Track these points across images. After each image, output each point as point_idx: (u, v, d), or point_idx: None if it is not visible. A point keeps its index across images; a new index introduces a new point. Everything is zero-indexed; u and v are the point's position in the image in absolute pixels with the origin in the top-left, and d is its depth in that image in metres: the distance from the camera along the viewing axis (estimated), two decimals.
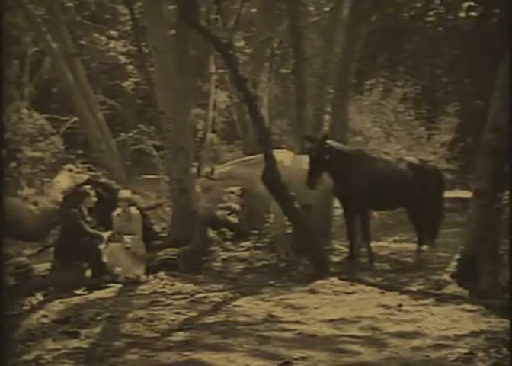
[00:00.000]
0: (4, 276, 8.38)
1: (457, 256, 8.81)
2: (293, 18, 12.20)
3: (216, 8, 14.58)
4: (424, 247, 10.56)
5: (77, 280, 8.90)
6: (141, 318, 7.20)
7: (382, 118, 17.25)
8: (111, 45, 20.37)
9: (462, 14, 20.19)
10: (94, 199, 9.52)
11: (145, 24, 11.45)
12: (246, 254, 10.72)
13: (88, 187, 9.73)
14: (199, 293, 8.46)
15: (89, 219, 9.32)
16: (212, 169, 10.22)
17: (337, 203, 11.39)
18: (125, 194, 9.75)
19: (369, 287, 8.61)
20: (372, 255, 10.11)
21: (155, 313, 7.42)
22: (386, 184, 9.98)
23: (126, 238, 9.35)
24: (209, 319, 7.17)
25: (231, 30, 12.84)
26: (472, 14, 19.90)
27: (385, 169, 10.14)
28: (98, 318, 7.28)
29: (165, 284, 8.95)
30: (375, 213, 11.87)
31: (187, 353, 6.01)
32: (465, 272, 8.47)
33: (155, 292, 8.57)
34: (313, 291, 8.48)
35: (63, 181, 11.19)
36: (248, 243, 11.24)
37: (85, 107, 12.74)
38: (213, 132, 24.03)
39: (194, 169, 12.17)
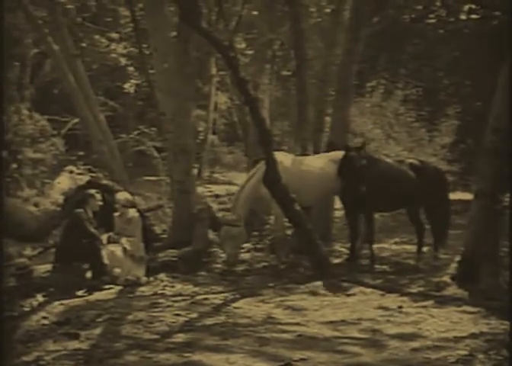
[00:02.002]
0: (5, 277, 8.40)
1: (458, 258, 8.81)
2: (294, 20, 12.23)
3: (216, 9, 14.59)
4: (425, 248, 10.59)
5: (77, 282, 8.89)
6: (141, 320, 7.19)
7: (383, 120, 17.26)
8: (112, 47, 20.40)
9: (462, 17, 20.19)
10: (100, 203, 9.50)
11: (146, 26, 11.46)
12: (246, 255, 10.73)
13: (93, 190, 9.71)
14: (199, 294, 8.46)
15: (92, 221, 9.32)
16: (240, 217, 10.01)
17: (337, 204, 11.42)
18: (122, 195, 9.72)
19: (370, 289, 8.62)
20: (374, 256, 10.13)
21: (155, 314, 7.41)
22: (392, 185, 10.03)
23: (124, 240, 9.34)
24: (210, 321, 7.17)
25: (232, 32, 12.84)
26: (473, 16, 19.89)
27: (390, 171, 10.21)
28: (98, 319, 7.27)
29: (165, 286, 8.95)
30: (375, 215, 11.87)
31: (187, 354, 6.01)
32: (466, 274, 8.47)
33: (155, 294, 8.57)
34: (313, 293, 8.48)
35: (64, 182, 11.21)
36: (248, 245, 11.24)
37: (86, 108, 12.75)
38: (214, 133, 24.10)
39: (195, 171, 12.18)
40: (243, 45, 18.59)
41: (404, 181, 10.21)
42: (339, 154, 10.69)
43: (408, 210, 10.89)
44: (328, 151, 11.25)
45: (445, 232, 10.46)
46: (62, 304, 8.02)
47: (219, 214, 11.61)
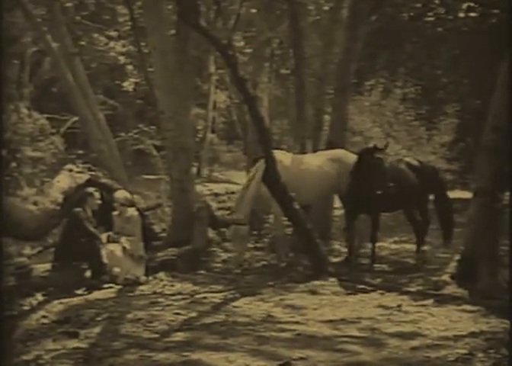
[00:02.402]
0: (4, 276, 8.39)
1: (457, 257, 8.81)
2: (293, 18, 12.22)
3: (215, 7, 14.58)
4: (425, 247, 10.60)
5: (77, 281, 8.88)
6: (140, 318, 7.19)
7: (382, 118, 17.24)
8: (111, 45, 20.38)
9: (461, 15, 20.16)
10: (99, 201, 9.48)
11: (144, 24, 11.44)
12: (246, 254, 10.72)
13: (92, 188, 9.69)
14: (198, 293, 8.46)
15: (92, 220, 9.31)
16: (246, 216, 10.01)
17: (336, 203, 11.40)
18: (121, 194, 9.69)
19: (369, 288, 8.62)
20: (375, 256, 10.14)
21: (155, 313, 7.41)
22: (395, 185, 10.03)
23: (124, 239, 9.33)
24: (209, 320, 7.17)
25: (230, 30, 12.81)
26: (472, 14, 19.88)
27: (392, 170, 10.22)
28: (98, 318, 7.27)
29: (165, 285, 8.94)
30: None
31: (186, 353, 6.00)
32: (465, 273, 8.47)
33: (154, 293, 8.56)
34: (313, 292, 8.49)
35: (63, 181, 11.14)
36: (248, 244, 11.23)
37: (85, 107, 12.72)
38: (213, 132, 24.09)
39: (194, 169, 12.17)
40: (242, 43, 18.58)
41: (404, 180, 10.23)
42: (338, 152, 10.71)
43: (405, 209, 10.88)
44: (327, 149, 11.25)
45: (450, 231, 10.47)
46: (61, 303, 8.02)
47: (219, 213, 11.60)
